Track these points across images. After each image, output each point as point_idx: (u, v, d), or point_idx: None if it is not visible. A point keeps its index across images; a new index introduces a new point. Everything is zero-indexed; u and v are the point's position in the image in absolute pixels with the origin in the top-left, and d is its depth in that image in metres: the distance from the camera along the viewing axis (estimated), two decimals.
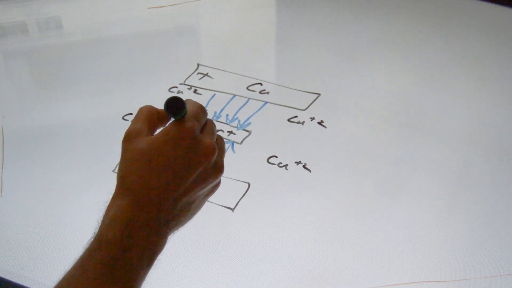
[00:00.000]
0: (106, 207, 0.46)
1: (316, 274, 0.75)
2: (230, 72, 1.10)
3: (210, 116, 0.98)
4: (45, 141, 0.96)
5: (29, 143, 0.96)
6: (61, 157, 0.93)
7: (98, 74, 1.11)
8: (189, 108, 0.48)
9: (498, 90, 1.05)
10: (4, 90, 1.11)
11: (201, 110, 0.50)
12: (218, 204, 0.83)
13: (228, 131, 0.96)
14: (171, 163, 0.45)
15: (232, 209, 0.83)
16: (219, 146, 0.49)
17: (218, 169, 0.49)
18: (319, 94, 1.04)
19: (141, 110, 0.51)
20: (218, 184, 0.51)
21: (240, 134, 0.95)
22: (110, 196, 0.47)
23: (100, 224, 0.46)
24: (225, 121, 0.98)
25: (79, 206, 0.84)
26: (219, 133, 0.95)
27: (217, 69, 1.11)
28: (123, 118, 0.99)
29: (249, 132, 0.96)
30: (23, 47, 1.23)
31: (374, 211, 0.83)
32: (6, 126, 0.99)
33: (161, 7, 1.30)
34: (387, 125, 0.98)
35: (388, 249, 0.78)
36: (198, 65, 1.12)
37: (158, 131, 0.49)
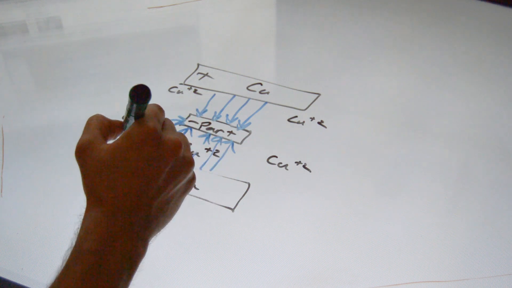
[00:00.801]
0: (80, 220, 0.46)
1: (316, 274, 0.75)
2: (230, 72, 1.10)
3: (210, 116, 0.98)
4: (45, 141, 0.96)
5: (29, 143, 0.96)
6: (61, 157, 0.93)
7: (98, 74, 1.11)
8: (147, 108, 0.47)
9: (498, 90, 1.06)
10: (4, 90, 1.11)
11: (159, 109, 0.49)
12: (218, 204, 0.83)
13: (228, 131, 0.96)
14: (139, 167, 0.44)
15: (232, 209, 0.83)
16: (183, 140, 0.48)
17: (187, 162, 0.48)
18: (319, 94, 1.04)
19: (90, 120, 0.49)
20: (193, 179, 0.50)
21: (240, 134, 0.95)
22: (83, 210, 0.46)
23: (76, 235, 0.45)
24: (225, 121, 0.98)
25: (78, 206, 0.84)
26: (219, 133, 0.95)
27: (217, 69, 1.11)
28: (122, 118, 0.99)
29: (249, 132, 0.96)
30: (23, 47, 1.23)
31: (374, 211, 0.83)
32: (6, 126, 0.99)
33: (161, 7, 1.30)
34: (387, 125, 0.98)
35: (388, 249, 0.78)
36: (198, 65, 1.12)
37: (110, 141, 0.48)
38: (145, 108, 0.46)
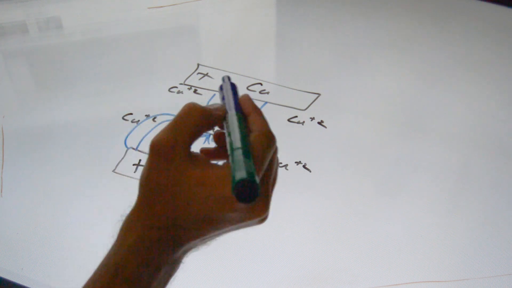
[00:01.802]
0: (123, 221, 0.42)
1: (316, 274, 0.75)
2: (230, 72, 1.10)
3: None
4: (45, 141, 0.96)
5: (29, 143, 0.96)
6: (61, 157, 0.93)
7: (98, 74, 1.11)
8: (258, 149, 0.38)
9: (498, 90, 1.06)
10: (4, 90, 1.11)
11: (272, 141, 0.40)
12: None
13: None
14: (217, 221, 0.38)
15: None
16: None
17: (261, 221, 0.41)
18: (319, 94, 1.04)
19: (186, 112, 0.40)
20: (265, 219, 0.42)
21: None
22: (128, 210, 0.42)
23: (117, 240, 0.41)
24: None
25: (79, 206, 0.84)
26: None
27: (217, 69, 1.11)
28: (123, 118, 0.99)
29: None
30: (23, 47, 1.23)
31: (374, 211, 0.83)
32: (6, 126, 0.99)
33: (161, 7, 1.30)
34: (387, 125, 0.98)
35: (388, 249, 0.78)
36: (198, 65, 1.12)
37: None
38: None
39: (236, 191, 0.35)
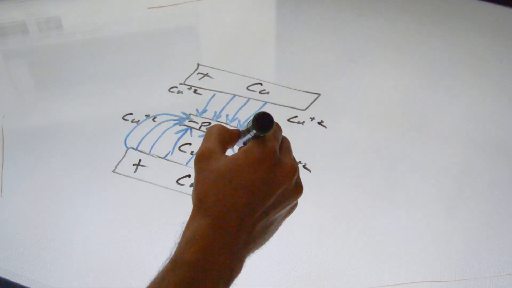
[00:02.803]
0: (183, 228, 0.45)
1: (316, 274, 0.75)
2: (230, 72, 1.10)
3: (210, 116, 0.98)
4: (45, 141, 0.96)
5: (29, 143, 0.96)
6: (61, 157, 0.93)
7: (98, 74, 1.11)
8: None
9: (498, 90, 1.06)
10: (4, 90, 1.11)
11: (278, 127, 0.48)
12: None
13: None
14: (252, 185, 0.44)
15: None
16: (297, 165, 0.48)
17: (298, 189, 0.48)
18: (319, 94, 1.04)
19: (211, 129, 0.49)
20: (295, 205, 0.50)
21: None
22: (187, 217, 0.45)
23: (176, 245, 0.44)
24: (225, 121, 0.98)
25: (79, 206, 0.84)
26: None
27: (217, 69, 1.11)
28: (123, 118, 0.99)
29: None
30: (23, 47, 1.23)
31: (374, 211, 0.83)
32: (6, 126, 0.99)
33: (161, 7, 1.30)
34: (387, 125, 0.98)
35: (388, 249, 0.78)
36: (198, 65, 1.12)
37: (228, 150, 0.48)
38: (265, 134, 0.46)
39: (255, 122, 0.44)
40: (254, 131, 0.45)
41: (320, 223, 0.81)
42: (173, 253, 0.44)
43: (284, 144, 0.49)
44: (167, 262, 0.44)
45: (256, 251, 0.47)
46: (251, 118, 0.46)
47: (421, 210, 0.83)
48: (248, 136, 0.47)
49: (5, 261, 0.77)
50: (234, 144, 0.50)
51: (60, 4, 1.33)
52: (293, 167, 0.47)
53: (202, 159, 0.47)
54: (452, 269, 0.75)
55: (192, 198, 0.46)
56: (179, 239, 0.45)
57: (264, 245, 0.48)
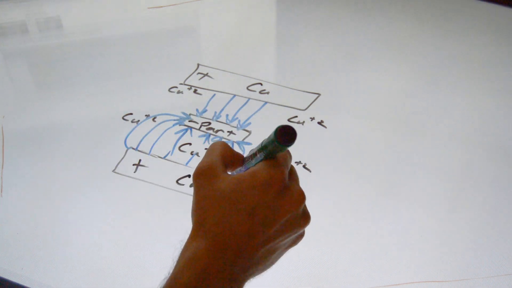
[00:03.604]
0: (181, 246, 0.44)
1: (316, 274, 0.75)
2: (230, 72, 1.10)
3: (210, 116, 0.98)
4: (45, 141, 0.96)
5: (29, 143, 0.96)
6: (61, 156, 0.93)
7: (98, 74, 1.11)
8: None
9: (498, 90, 1.06)
10: (4, 90, 1.11)
11: (289, 154, 0.46)
12: None
13: (228, 131, 0.96)
14: (256, 209, 0.42)
15: None
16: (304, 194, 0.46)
17: (305, 218, 0.46)
18: (319, 94, 1.04)
19: (214, 145, 0.47)
20: (303, 234, 0.48)
21: (240, 134, 0.95)
22: (186, 236, 0.44)
23: (174, 264, 0.43)
24: (225, 121, 0.98)
25: (79, 206, 0.84)
26: (219, 133, 0.96)
27: (217, 69, 1.11)
28: (123, 118, 0.99)
29: (249, 132, 0.96)
30: (23, 47, 1.23)
31: (374, 211, 0.83)
32: (6, 126, 0.99)
33: (161, 7, 1.30)
34: (387, 125, 0.98)
35: (388, 249, 0.78)
36: (198, 65, 1.12)
37: (229, 173, 0.46)
38: (283, 151, 0.44)
39: (278, 135, 0.41)
40: (271, 148, 0.43)
41: (320, 223, 0.81)
42: (171, 271, 0.43)
43: (292, 171, 0.47)
44: (165, 281, 0.43)
45: (257, 276, 0.46)
46: (270, 136, 0.43)
47: (421, 210, 0.83)
48: (253, 163, 0.45)
49: (5, 261, 0.77)
50: (236, 168, 0.48)
51: (60, 4, 1.33)
52: (301, 195, 0.45)
53: (202, 174, 0.45)
54: (452, 269, 0.75)
55: (192, 216, 0.45)
56: (178, 258, 0.44)
57: (265, 271, 0.47)
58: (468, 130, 0.97)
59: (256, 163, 0.45)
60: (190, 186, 0.87)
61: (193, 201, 0.45)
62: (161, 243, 0.78)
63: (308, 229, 0.80)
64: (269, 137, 0.43)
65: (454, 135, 0.96)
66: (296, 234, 0.46)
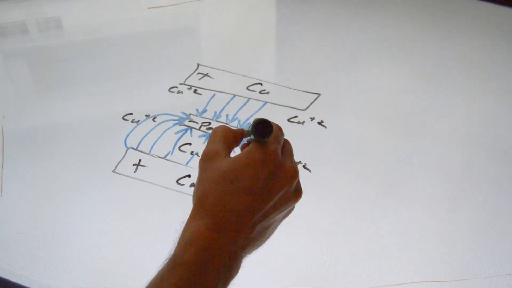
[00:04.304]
0: (182, 228, 0.45)
1: (316, 274, 0.75)
2: (230, 72, 1.10)
3: (210, 116, 0.98)
4: (45, 141, 0.96)
5: (29, 143, 0.96)
6: (61, 157, 0.93)
7: (98, 74, 1.11)
8: None
9: (498, 89, 1.06)
10: (4, 90, 1.11)
11: (280, 131, 0.48)
12: None
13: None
14: (253, 186, 0.44)
15: None
16: (298, 169, 0.48)
17: (297, 193, 0.48)
18: (319, 94, 1.04)
19: (216, 130, 0.49)
20: (293, 208, 0.50)
21: None
22: (186, 216, 0.45)
23: (175, 245, 0.44)
24: (225, 121, 0.98)
25: (79, 206, 0.84)
26: None
27: (217, 69, 1.11)
28: (123, 118, 0.99)
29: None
30: (23, 47, 1.23)
31: (374, 211, 0.83)
32: (6, 126, 0.99)
33: (161, 7, 1.30)
34: (387, 125, 0.98)
35: (388, 249, 0.78)
36: (198, 65, 1.12)
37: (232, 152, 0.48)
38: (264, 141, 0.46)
39: (254, 129, 0.45)
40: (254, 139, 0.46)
41: (320, 223, 0.81)
42: (172, 253, 0.44)
43: (286, 147, 0.49)
44: (166, 262, 0.44)
45: (253, 252, 0.47)
46: (251, 123, 0.46)
47: (421, 210, 0.83)
48: (251, 137, 0.47)
49: (5, 261, 0.77)
50: (239, 143, 0.50)
51: (60, 4, 1.33)
52: (294, 171, 0.47)
53: (206, 159, 0.47)
54: (452, 269, 0.75)
55: (193, 197, 0.47)
56: (178, 239, 0.45)
57: (261, 246, 0.48)
58: (468, 130, 0.97)
59: (252, 139, 0.47)
60: (190, 186, 0.87)
61: (195, 183, 0.47)
62: (161, 243, 0.78)
63: (308, 229, 0.80)
64: (249, 127, 0.47)
65: (454, 135, 0.96)
66: (289, 208, 0.49)
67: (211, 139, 0.49)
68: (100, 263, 0.76)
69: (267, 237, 0.48)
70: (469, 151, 0.93)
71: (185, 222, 0.45)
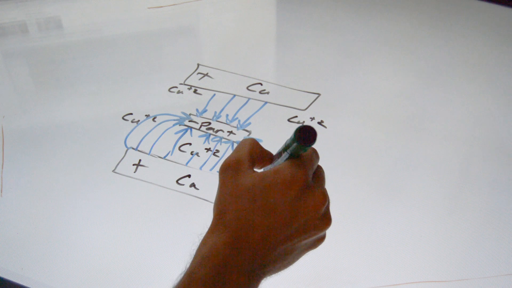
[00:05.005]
0: (200, 240, 0.44)
1: (316, 274, 0.75)
2: (230, 72, 1.10)
3: (210, 116, 0.98)
4: (45, 141, 0.96)
5: (29, 143, 0.96)
6: (61, 157, 0.93)
7: (98, 74, 1.11)
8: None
9: (498, 89, 1.06)
10: (4, 90, 1.11)
11: (315, 153, 0.46)
12: None
13: (228, 131, 0.96)
14: (277, 207, 0.42)
15: None
16: (328, 196, 0.46)
17: (326, 221, 0.46)
18: (319, 94, 1.04)
19: (244, 141, 0.47)
20: (323, 238, 0.47)
21: (240, 134, 0.95)
22: (205, 229, 0.44)
23: (192, 258, 0.43)
24: (225, 121, 0.98)
25: (79, 206, 0.84)
26: (219, 133, 0.95)
27: (217, 69, 1.11)
28: (123, 118, 0.99)
29: (249, 132, 0.96)
30: (23, 47, 1.23)
31: (374, 211, 0.83)
32: (6, 126, 0.99)
33: (161, 7, 1.30)
34: (387, 125, 0.98)
35: (388, 249, 0.78)
36: (198, 65, 1.12)
37: (256, 170, 0.46)
38: (305, 151, 0.44)
39: (298, 135, 0.41)
40: (293, 149, 0.43)
41: None
42: (187, 266, 0.43)
43: (318, 172, 0.47)
44: (181, 276, 0.42)
45: (274, 275, 0.46)
46: (291, 135, 0.43)
47: (421, 210, 0.83)
48: (283, 158, 0.45)
49: (5, 261, 0.77)
50: (264, 165, 0.48)
51: (60, 4, 1.33)
52: (324, 196, 0.44)
53: (228, 168, 0.45)
54: (452, 269, 0.75)
55: (214, 209, 0.45)
56: (195, 252, 0.43)
57: (282, 270, 0.46)
58: (468, 129, 0.97)
59: (282, 162, 0.45)
60: (190, 186, 0.87)
61: (216, 194, 0.45)
62: (161, 243, 0.78)
63: None
64: (291, 136, 0.43)
65: (454, 135, 0.96)
66: (316, 237, 0.46)
67: (237, 149, 0.47)
68: (100, 263, 0.76)
69: (290, 263, 0.46)
70: (469, 151, 0.93)
71: (202, 234, 0.44)
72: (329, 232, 0.80)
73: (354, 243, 0.78)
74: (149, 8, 1.30)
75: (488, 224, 0.81)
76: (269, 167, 0.47)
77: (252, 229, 0.42)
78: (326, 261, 0.76)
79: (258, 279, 0.43)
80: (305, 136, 0.42)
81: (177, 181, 0.87)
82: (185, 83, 1.07)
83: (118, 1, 1.35)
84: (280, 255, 0.44)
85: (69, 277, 0.75)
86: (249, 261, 0.42)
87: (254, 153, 0.46)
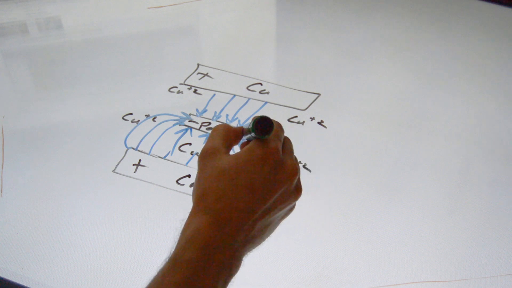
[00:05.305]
0: (182, 225, 0.45)
1: (316, 274, 0.75)
2: (230, 72, 1.10)
3: (210, 116, 0.98)
4: (45, 141, 0.96)
5: (29, 143, 0.96)
6: (61, 157, 0.93)
7: (98, 74, 1.11)
8: None
9: (498, 89, 1.06)
10: (4, 90, 1.11)
11: (280, 128, 0.49)
12: None
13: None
14: (254, 183, 0.45)
15: None
16: (298, 166, 0.48)
17: (297, 190, 0.48)
18: (319, 94, 1.04)
19: (216, 128, 0.49)
20: (294, 207, 0.50)
21: None
22: (186, 214, 0.45)
23: (176, 243, 0.44)
24: (225, 121, 0.98)
25: (79, 206, 0.84)
26: None
27: (217, 69, 1.11)
28: (123, 118, 0.99)
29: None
30: (23, 47, 1.23)
31: (374, 211, 0.83)
32: (6, 126, 0.99)
33: (161, 7, 1.30)
34: (387, 125, 0.98)
35: (388, 249, 0.78)
36: (198, 65, 1.12)
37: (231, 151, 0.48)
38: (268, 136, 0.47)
39: (255, 126, 0.45)
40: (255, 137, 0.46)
41: (320, 223, 0.81)
42: (172, 251, 0.44)
43: (286, 145, 0.49)
44: (166, 261, 0.43)
45: (254, 250, 0.47)
46: (251, 120, 0.46)
47: (421, 210, 0.83)
48: (251, 134, 0.47)
49: (5, 261, 0.77)
50: (239, 141, 0.50)
51: (60, 4, 1.33)
52: (295, 168, 0.47)
53: (205, 156, 0.47)
54: (452, 269, 0.75)
55: (193, 194, 0.46)
56: (178, 237, 0.44)
57: (261, 244, 0.48)
58: (468, 129, 0.97)
59: (252, 137, 0.47)
60: (190, 186, 0.87)
61: (195, 180, 0.47)
62: (161, 243, 0.78)
63: (308, 229, 0.80)
64: (249, 125, 0.46)
65: (454, 135, 0.96)
66: (289, 207, 0.49)
67: (211, 137, 0.49)
68: (100, 263, 0.76)
69: (267, 235, 0.48)
70: (469, 151, 0.93)
71: (185, 220, 0.45)
72: (329, 232, 0.80)
73: (354, 243, 0.78)
74: (149, 8, 1.30)
75: (488, 224, 0.81)
76: (244, 139, 0.50)
77: (232, 208, 0.44)
78: (326, 261, 0.76)
79: (240, 257, 0.45)
80: (262, 127, 0.45)
81: (177, 181, 0.87)
82: (185, 83, 1.07)
83: (118, 1, 1.35)
84: (259, 229, 0.46)
85: (69, 277, 0.75)
86: (232, 239, 0.44)
87: (228, 137, 0.49)
